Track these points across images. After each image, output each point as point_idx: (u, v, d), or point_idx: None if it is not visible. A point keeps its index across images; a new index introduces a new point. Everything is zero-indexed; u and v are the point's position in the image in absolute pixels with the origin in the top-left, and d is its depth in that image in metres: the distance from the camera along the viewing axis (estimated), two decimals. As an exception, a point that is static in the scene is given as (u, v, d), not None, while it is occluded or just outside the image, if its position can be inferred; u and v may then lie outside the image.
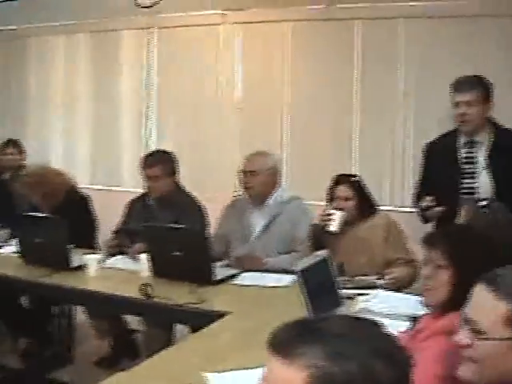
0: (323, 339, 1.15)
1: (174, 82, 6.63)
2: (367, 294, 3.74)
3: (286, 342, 1.18)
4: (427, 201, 4.08)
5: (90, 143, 7.19)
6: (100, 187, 6.94)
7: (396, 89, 5.76)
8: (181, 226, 4.27)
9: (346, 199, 4.25)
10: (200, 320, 3.49)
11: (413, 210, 4.60)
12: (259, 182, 4.58)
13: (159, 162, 4.87)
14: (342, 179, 4.35)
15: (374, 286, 3.90)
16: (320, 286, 3.28)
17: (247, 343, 3.02)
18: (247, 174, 4.61)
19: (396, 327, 3.03)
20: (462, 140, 4.22)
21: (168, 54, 6.67)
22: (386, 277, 3.95)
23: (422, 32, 5.65)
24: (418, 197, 4.34)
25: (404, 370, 1.18)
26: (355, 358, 1.12)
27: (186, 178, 5.71)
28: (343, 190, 4.27)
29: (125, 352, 4.91)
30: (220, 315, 3.47)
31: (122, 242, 4.78)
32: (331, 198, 4.31)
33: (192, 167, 6.32)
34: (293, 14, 6.06)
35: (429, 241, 2.45)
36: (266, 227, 4.58)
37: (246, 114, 6.33)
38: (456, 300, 2.16)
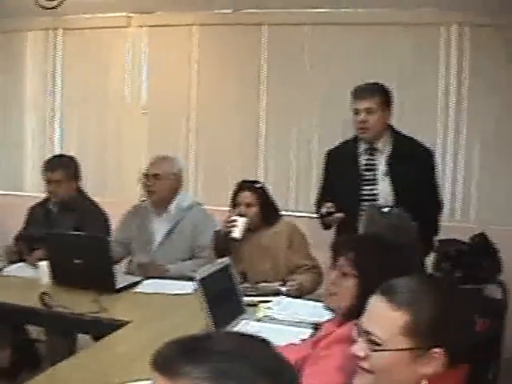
0: (207, 358, 1.12)
1: (80, 84, 6.51)
2: (270, 301, 3.73)
3: (170, 360, 1.14)
4: (327, 207, 4.09)
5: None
6: (1, 192, 6.75)
7: (302, 93, 5.81)
8: (81, 232, 4.18)
9: (249, 205, 4.24)
10: (101, 329, 3.43)
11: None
12: (163, 186, 4.52)
13: (61, 166, 4.79)
14: (245, 185, 4.34)
15: (277, 293, 3.91)
16: (222, 293, 3.27)
17: (147, 353, 2.95)
18: (150, 177, 4.54)
19: (298, 334, 3.06)
20: (363, 147, 4.24)
21: (74, 55, 6.54)
22: (289, 283, 3.97)
23: (327, 38, 5.73)
24: (319, 203, 4.34)
25: None
26: (238, 377, 1.09)
27: (91, 183, 5.64)
28: (246, 197, 4.27)
29: (26, 363, 4.76)
30: (121, 324, 3.41)
31: (23, 249, 4.65)
32: (234, 204, 4.29)
33: (96, 171, 6.26)
34: (200, 18, 6.04)
35: (337, 247, 2.46)
36: (168, 234, 4.53)
37: (152, 117, 6.27)
38: (360, 308, 2.17)
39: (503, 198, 5.51)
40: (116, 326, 3.39)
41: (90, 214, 4.71)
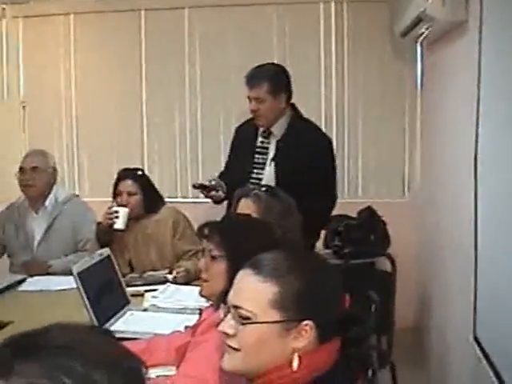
0: (41, 354, 1.06)
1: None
2: (155, 290, 3.67)
3: (2, 361, 1.07)
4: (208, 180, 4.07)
5: None
6: None
7: (183, 78, 5.75)
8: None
9: (130, 194, 4.16)
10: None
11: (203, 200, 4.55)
12: (41, 179, 4.37)
13: None
14: (125, 174, 4.25)
15: (164, 281, 3.84)
16: (103, 286, 3.19)
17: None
18: (28, 170, 4.36)
19: (184, 321, 3.00)
20: (261, 129, 4.17)
21: None
22: (175, 270, 3.91)
23: (205, 20, 5.73)
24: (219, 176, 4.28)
25: (132, 378, 1.11)
26: (73, 372, 1.03)
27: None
28: (126, 185, 4.18)
29: None
30: (2, 326, 3.28)
31: None
32: (115, 193, 4.21)
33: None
34: (76, 7, 5.88)
35: (203, 231, 2.41)
36: (47, 231, 4.39)
37: (31, 110, 6.09)
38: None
39: (388, 170, 5.61)
40: (-2, 327, 3.27)
41: None
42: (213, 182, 4.05)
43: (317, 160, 4.03)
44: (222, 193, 4.04)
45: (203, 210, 4.59)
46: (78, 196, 4.70)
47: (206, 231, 2.37)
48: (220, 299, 2.30)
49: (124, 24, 5.86)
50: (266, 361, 1.59)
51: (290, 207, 3.10)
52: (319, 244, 5.01)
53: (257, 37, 5.62)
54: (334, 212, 4.99)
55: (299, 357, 1.57)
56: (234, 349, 1.62)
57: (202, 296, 2.45)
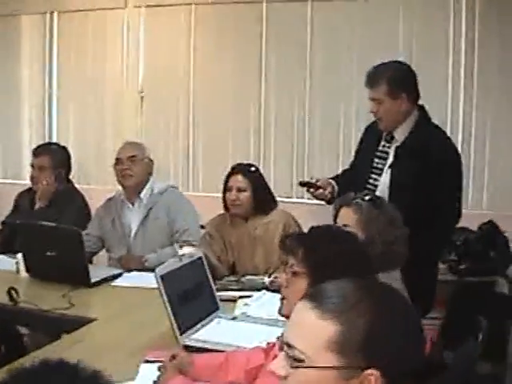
0: None
1: (76, 67, 6.30)
2: (250, 296, 3.48)
3: None
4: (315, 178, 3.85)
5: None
6: (3, 181, 6.60)
7: (305, 74, 5.52)
8: (54, 224, 3.95)
9: (240, 190, 3.98)
10: (66, 327, 3.20)
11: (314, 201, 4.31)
12: (139, 169, 4.29)
13: (47, 153, 4.75)
14: (237, 168, 4.09)
15: (261, 288, 3.64)
16: (191, 290, 3.01)
17: (101, 355, 2.75)
18: (125, 160, 4.28)
19: (269, 334, 2.77)
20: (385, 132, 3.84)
21: (69, 39, 6.34)
22: (274, 275, 3.69)
23: (330, 14, 5.45)
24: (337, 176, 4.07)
25: None
26: None
27: (89, 170, 5.48)
28: (238, 180, 4.01)
29: (15, 357, 4.58)
30: (87, 321, 3.19)
31: (6, 239, 4.48)
32: (225, 188, 4.04)
33: (95, 158, 6.06)
34: (197, -3, 5.79)
35: (285, 244, 2.19)
36: (143, 223, 4.30)
37: (149, 100, 6.04)
38: None
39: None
40: (82, 323, 3.18)
41: (70, 207, 4.56)
42: (319, 182, 3.81)
43: (439, 172, 3.58)
44: (329, 193, 3.79)
45: (318, 213, 4.33)
46: (175, 187, 4.58)
47: (289, 244, 2.15)
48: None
49: (245, 15, 5.70)
50: None
51: (393, 220, 2.83)
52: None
53: (382, 28, 5.30)
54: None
55: None
56: None
57: (280, 315, 2.24)
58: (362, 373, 1.28)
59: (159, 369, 2.33)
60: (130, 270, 4.07)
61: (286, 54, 5.60)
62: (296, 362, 1.32)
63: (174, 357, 2.42)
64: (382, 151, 3.81)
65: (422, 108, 3.77)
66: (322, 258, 2.04)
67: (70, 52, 6.34)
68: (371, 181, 3.79)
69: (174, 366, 2.38)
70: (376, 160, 3.81)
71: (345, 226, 2.78)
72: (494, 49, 5.11)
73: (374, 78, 3.71)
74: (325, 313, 1.32)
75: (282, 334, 1.40)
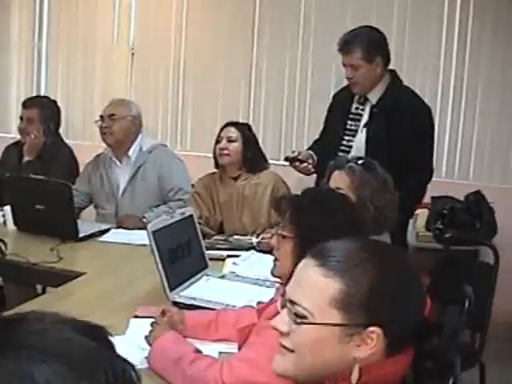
0: (14, 353, 0.84)
1: (67, 21, 6.22)
2: (238, 256, 3.49)
3: None
4: (295, 152, 3.87)
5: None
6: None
7: (296, 38, 5.48)
8: (42, 177, 3.94)
9: (231, 140, 3.99)
10: (55, 280, 3.21)
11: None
12: (118, 127, 4.26)
13: (37, 105, 4.71)
14: (231, 123, 4.13)
15: (249, 248, 3.66)
16: (181, 247, 3.01)
17: (91, 308, 2.76)
18: (106, 118, 4.29)
19: (259, 295, 2.81)
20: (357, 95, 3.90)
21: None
22: (262, 235, 3.71)
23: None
24: (311, 147, 4.09)
25: None
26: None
27: (70, 124, 5.44)
28: (229, 131, 4.02)
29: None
30: (75, 276, 3.19)
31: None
32: (217, 140, 4.04)
33: (83, 114, 6.02)
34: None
35: (277, 206, 2.19)
36: (131, 181, 4.29)
37: (139, 57, 5.98)
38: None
39: (504, 155, 5.21)
40: (70, 277, 3.18)
41: (58, 161, 4.53)
42: (301, 155, 3.83)
43: (413, 129, 3.69)
44: (310, 165, 3.82)
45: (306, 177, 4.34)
46: (165, 145, 4.56)
47: (280, 206, 2.16)
48: (285, 283, 2.09)
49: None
50: (320, 368, 1.33)
51: (386, 183, 2.85)
52: (420, 225, 4.75)
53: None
54: (440, 193, 4.69)
55: (360, 369, 1.31)
56: (287, 349, 1.37)
57: (273, 276, 2.25)
58: (364, 330, 1.30)
59: (151, 324, 2.34)
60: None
61: (279, 15, 5.55)
62: (299, 318, 1.33)
63: (163, 312, 2.43)
64: (354, 113, 3.87)
65: (392, 71, 3.89)
66: (307, 221, 2.03)
67: (60, 5, 6.25)
68: (344, 142, 3.85)
69: (165, 321, 2.39)
70: (349, 122, 3.86)
71: (337, 188, 2.79)
72: (488, 22, 5.10)
73: (349, 43, 3.76)
74: (329, 270, 1.33)
75: (285, 291, 1.40)
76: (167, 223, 2.96)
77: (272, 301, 2.24)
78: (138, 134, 4.36)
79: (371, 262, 1.33)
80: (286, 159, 3.91)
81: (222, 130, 4.07)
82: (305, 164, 3.82)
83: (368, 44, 3.74)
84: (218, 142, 4.04)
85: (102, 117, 4.31)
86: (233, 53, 5.70)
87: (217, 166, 4.08)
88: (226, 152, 3.97)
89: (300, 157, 3.84)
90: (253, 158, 4.03)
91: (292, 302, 1.35)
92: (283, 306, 1.39)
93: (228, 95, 5.75)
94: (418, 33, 5.19)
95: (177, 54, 5.85)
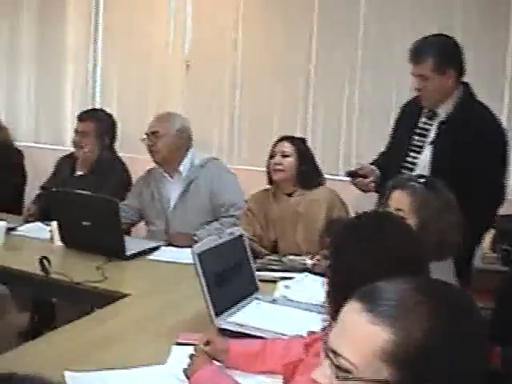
0: None
1: (122, 34, 6.12)
2: (291, 278, 3.30)
3: None
4: (357, 166, 3.66)
5: (34, 100, 6.66)
6: (41, 145, 6.49)
7: (355, 51, 5.26)
8: (91, 193, 3.81)
9: (285, 156, 3.82)
10: (98, 300, 3.09)
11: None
12: (164, 144, 4.13)
13: (92, 119, 4.65)
14: (284, 137, 3.96)
15: (303, 269, 3.46)
16: (229, 269, 2.84)
17: (131, 332, 2.63)
18: (150, 136, 4.17)
19: (310, 322, 2.60)
20: (426, 108, 3.62)
21: (115, 6, 6.17)
22: (317, 256, 3.50)
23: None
24: (376, 161, 3.87)
25: None
26: None
27: (125, 137, 5.34)
28: (283, 146, 3.86)
29: (46, 325, 4.51)
30: (119, 297, 3.06)
31: (43, 206, 4.37)
32: (271, 156, 3.88)
33: (134, 126, 5.91)
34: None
35: (326, 229, 2.01)
36: (182, 196, 4.14)
37: (194, 70, 5.84)
38: (332, 311, 1.75)
39: None
40: (114, 297, 3.06)
41: (111, 177, 4.45)
42: (363, 170, 3.63)
43: (484, 148, 3.40)
44: (372, 182, 3.61)
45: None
46: (217, 159, 4.39)
47: (325, 230, 1.97)
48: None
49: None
50: None
51: (450, 204, 2.62)
52: (485, 245, 4.49)
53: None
54: (508, 211, 4.41)
55: None
56: None
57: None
58: None
59: (190, 356, 2.17)
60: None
61: (337, 26, 5.33)
62: (342, 371, 1.13)
63: (208, 343, 2.26)
64: (422, 128, 3.61)
65: (465, 84, 3.58)
66: (343, 254, 1.82)
67: (115, 18, 6.17)
68: (409, 159, 3.60)
69: (206, 353, 2.22)
70: (415, 137, 3.61)
71: (397, 209, 2.59)
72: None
73: (420, 52, 3.50)
74: (378, 317, 1.12)
75: (327, 339, 1.20)
76: (214, 244, 2.80)
77: (319, 335, 2.04)
78: (188, 149, 4.22)
79: (428, 308, 1.12)
80: (348, 174, 3.70)
81: (275, 144, 3.91)
82: (367, 180, 3.62)
83: (440, 54, 3.47)
84: (271, 157, 3.88)
85: (147, 134, 4.20)
86: (289, 65, 5.50)
87: (270, 182, 3.91)
88: (279, 167, 3.80)
89: (362, 172, 3.63)
90: (308, 174, 3.86)
91: (334, 353, 1.15)
92: (326, 355, 1.19)
93: (285, 108, 5.57)
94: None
95: (232, 66, 5.69)
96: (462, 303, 1.19)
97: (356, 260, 1.76)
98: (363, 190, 3.70)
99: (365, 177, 3.62)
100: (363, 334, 1.12)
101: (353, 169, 3.73)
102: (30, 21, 6.55)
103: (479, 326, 1.17)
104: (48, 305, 4.53)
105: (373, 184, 3.61)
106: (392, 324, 1.10)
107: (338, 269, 1.82)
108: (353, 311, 1.16)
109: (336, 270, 1.83)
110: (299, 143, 3.91)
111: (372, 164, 3.81)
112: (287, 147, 3.84)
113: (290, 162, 3.81)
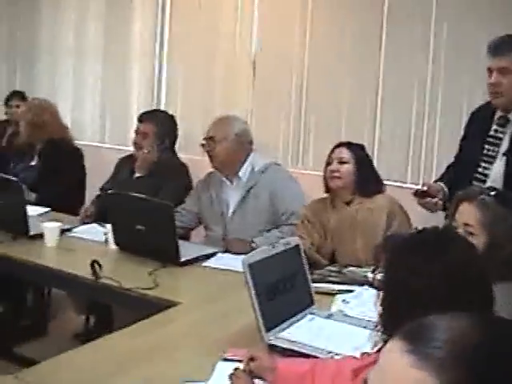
0: None
1: (187, 35, 6.03)
2: (350, 291, 3.12)
3: None
4: (423, 186, 3.44)
5: (100, 99, 6.66)
6: (108, 146, 6.46)
7: (426, 55, 5.01)
8: (146, 196, 3.70)
9: (342, 162, 3.65)
10: (146, 309, 2.97)
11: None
12: (221, 149, 4.01)
13: (152, 120, 4.58)
14: (342, 143, 3.79)
15: (364, 282, 3.26)
16: (283, 281, 2.68)
17: (182, 344, 2.51)
18: (208, 141, 4.06)
19: (368, 341, 2.41)
20: (498, 114, 3.42)
21: (182, 6, 6.09)
22: (379, 269, 3.30)
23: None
24: (446, 174, 3.68)
25: None
26: None
27: (190, 139, 5.25)
28: (340, 152, 3.70)
29: (101, 327, 4.44)
30: (170, 305, 2.95)
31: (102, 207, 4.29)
32: (328, 162, 3.72)
33: (200, 124, 5.81)
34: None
35: (382, 245, 1.84)
36: (241, 202, 4.00)
37: (260, 70, 5.69)
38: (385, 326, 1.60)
39: None
40: (164, 306, 2.94)
41: (171, 180, 4.34)
42: (430, 188, 3.42)
43: None
44: (439, 200, 3.39)
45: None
46: (278, 164, 4.23)
47: (384, 244, 1.80)
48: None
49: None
50: None
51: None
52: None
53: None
54: None
55: None
56: None
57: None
58: None
59: (230, 377, 2.02)
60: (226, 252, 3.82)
61: (408, 31, 5.09)
62: None
63: (252, 359, 2.11)
64: (494, 137, 3.40)
65: None
66: (399, 278, 1.65)
67: (182, 16, 6.09)
68: (481, 170, 3.38)
69: (252, 370, 2.07)
70: (487, 147, 3.39)
71: (466, 225, 2.40)
72: None
73: (504, 45, 3.30)
74: (423, 360, 0.92)
75: (366, 378, 1.03)
76: (268, 255, 2.64)
77: (370, 361, 1.87)
78: (248, 153, 4.08)
79: (483, 353, 0.92)
80: (415, 194, 3.47)
81: (332, 150, 3.75)
82: (435, 199, 3.40)
83: None
84: (328, 164, 3.70)
85: (205, 139, 4.09)
86: (358, 69, 5.30)
87: (327, 189, 3.74)
88: (337, 175, 3.63)
89: (429, 191, 3.42)
90: (366, 181, 3.67)
91: None
92: None
93: (353, 112, 5.37)
94: None
95: (300, 67, 5.52)
96: None
97: (411, 279, 1.60)
98: (431, 210, 3.48)
99: (432, 196, 3.40)
100: (404, 378, 0.93)
101: (420, 188, 3.51)
102: (96, 19, 6.54)
103: None
104: (105, 308, 4.47)
105: (441, 203, 3.39)
106: (439, 369, 0.91)
107: (392, 287, 1.66)
108: (394, 350, 0.96)
109: (389, 288, 1.67)
110: (357, 149, 3.74)
111: (440, 179, 3.62)
112: (345, 153, 3.67)
113: (348, 168, 3.64)
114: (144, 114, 4.71)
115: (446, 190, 3.43)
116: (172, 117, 4.77)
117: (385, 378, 0.96)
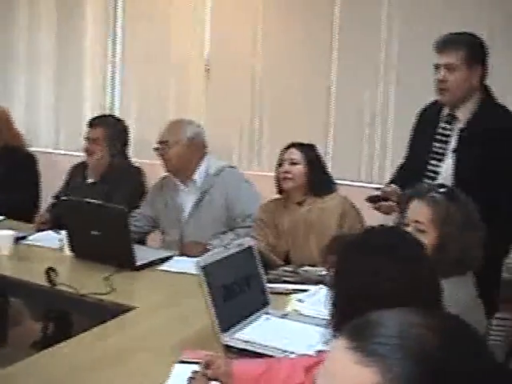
0: None
1: (140, 39, 6.03)
2: (305, 291, 3.15)
3: None
4: (381, 191, 3.47)
5: (53, 105, 6.60)
6: (62, 152, 6.42)
7: (378, 50, 5.09)
8: (100, 202, 3.69)
9: (294, 163, 3.68)
10: (102, 314, 2.96)
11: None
12: (175, 153, 4.01)
13: (103, 125, 4.51)
14: (293, 144, 3.81)
15: (319, 281, 3.29)
16: (237, 283, 2.70)
17: (136, 349, 2.50)
18: (160, 145, 4.06)
19: (322, 338, 2.45)
20: (445, 111, 3.47)
21: (135, 10, 6.09)
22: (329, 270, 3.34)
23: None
24: (397, 173, 3.76)
25: None
26: None
27: (144, 143, 5.24)
28: (292, 153, 3.72)
29: (59, 334, 4.41)
30: (126, 309, 2.94)
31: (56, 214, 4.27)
32: (279, 163, 3.75)
33: (155, 128, 5.81)
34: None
35: (330, 245, 1.88)
36: (197, 206, 4.01)
37: (214, 74, 5.71)
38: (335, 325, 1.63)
39: None
40: (119, 311, 2.93)
41: (124, 184, 4.32)
42: (384, 192, 3.45)
43: (509, 160, 3.26)
44: (394, 203, 3.40)
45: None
46: (233, 167, 4.25)
47: (332, 246, 1.84)
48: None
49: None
50: None
51: (472, 219, 2.46)
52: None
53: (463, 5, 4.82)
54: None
55: None
56: None
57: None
58: None
59: (189, 380, 2.04)
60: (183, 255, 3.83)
61: (359, 32, 5.15)
62: None
63: (208, 364, 2.12)
64: (442, 134, 3.45)
65: (486, 88, 3.42)
66: (347, 273, 1.71)
67: (135, 20, 6.09)
68: (431, 167, 3.43)
69: (209, 376, 2.08)
70: (436, 144, 3.45)
71: (416, 222, 2.44)
72: None
73: (451, 42, 3.36)
74: (366, 356, 0.93)
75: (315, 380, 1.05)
76: (221, 256, 2.66)
77: (314, 361, 1.90)
78: (202, 156, 4.08)
79: (429, 348, 0.92)
80: (369, 200, 3.50)
81: (283, 152, 3.78)
82: (389, 202, 3.43)
83: (472, 47, 3.35)
84: (280, 165, 3.73)
85: (158, 143, 4.09)
86: (310, 71, 5.34)
87: (280, 191, 3.76)
88: (288, 176, 3.67)
89: (384, 195, 3.45)
90: (318, 181, 3.72)
91: None
92: None
93: (306, 113, 5.41)
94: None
95: (252, 70, 5.56)
96: (470, 347, 0.97)
97: (360, 278, 1.63)
98: (387, 213, 3.52)
99: (386, 200, 3.45)
100: (347, 375, 0.94)
101: (372, 194, 3.55)
102: (48, 25, 6.50)
103: (488, 368, 0.97)
104: (63, 315, 4.45)
105: (395, 206, 3.43)
106: (382, 365, 0.91)
107: (341, 287, 1.69)
108: (339, 349, 0.97)
109: (338, 287, 1.70)
110: (308, 150, 3.77)
111: (391, 182, 3.66)
112: (295, 154, 3.71)
113: (299, 169, 3.68)
114: (93, 119, 4.67)
115: (399, 191, 3.43)
116: (121, 121, 4.74)
117: (330, 376, 0.97)
